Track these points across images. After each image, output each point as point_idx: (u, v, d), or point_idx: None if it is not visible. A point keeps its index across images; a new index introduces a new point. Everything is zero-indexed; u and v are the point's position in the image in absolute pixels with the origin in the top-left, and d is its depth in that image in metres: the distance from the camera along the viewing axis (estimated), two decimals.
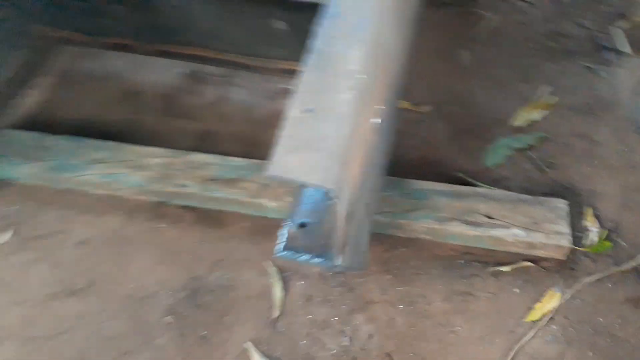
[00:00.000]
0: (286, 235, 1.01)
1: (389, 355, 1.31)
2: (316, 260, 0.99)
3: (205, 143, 1.70)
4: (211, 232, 1.52)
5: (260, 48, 1.59)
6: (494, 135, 1.67)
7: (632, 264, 1.39)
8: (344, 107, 0.87)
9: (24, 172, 1.59)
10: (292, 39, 1.50)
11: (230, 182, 1.51)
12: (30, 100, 1.81)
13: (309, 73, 0.90)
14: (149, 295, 1.41)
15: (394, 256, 1.45)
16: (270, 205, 1.47)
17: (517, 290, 1.38)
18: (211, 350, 1.33)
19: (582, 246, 1.43)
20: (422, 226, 1.42)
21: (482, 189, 1.50)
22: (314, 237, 1.01)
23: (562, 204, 1.44)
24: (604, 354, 1.28)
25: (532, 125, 1.69)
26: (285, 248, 1.00)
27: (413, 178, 1.50)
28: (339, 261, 0.97)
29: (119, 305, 1.40)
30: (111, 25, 1.64)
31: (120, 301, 1.41)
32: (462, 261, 1.43)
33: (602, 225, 1.47)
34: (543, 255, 1.41)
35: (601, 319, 1.33)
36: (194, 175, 1.53)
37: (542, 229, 1.39)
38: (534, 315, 1.33)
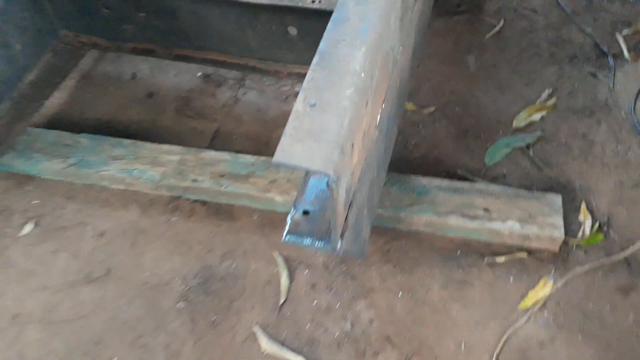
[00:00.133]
0: (291, 222, 1.08)
1: (388, 338, 1.36)
2: (318, 243, 1.06)
3: (218, 142, 1.78)
4: (222, 224, 1.59)
5: (273, 53, 1.64)
6: (495, 135, 1.73)
7: (622, 255, 1.43)
8: (344, 102, 0.94)
9: (47, 168, 1.67)
10: (303, 44, 1.57)
11: (240, 177, 1.59)
12: (54, 101, 1.90)
13: (315, 72, 0.97)
14: (162, 283, 1.49)
15: (394, 247, 1.50)
16: (278, 200, 1.54)
17: (512, 279, 1.43)
18: (221, 333, 1.39)
19: (575, 238, 1.48)
20: (422, 219, 1.48)
21: (480, 185, 1.55)
22: (316, 223, 1.08)
23: (556, 199, 1.49)
24: (593, 337, 1.33)
25: (532, 126, 1.75)
26: (290, 232, 1.07)
27: (415, 175, 1.56)
28: (338, 245, 1.04)
29: (134, 292, 1.48)
30: (133, 30, 1.71)
31: (135, 288, 1.48)
32: (460, 252, 1.48)
33: (595, 219, 1.52)
34: (537, 247, 1.46)
35: (591, 306, 1.37)
36: (207, 172, 1.61)
37: (537, 222, 1.44)
38: (527, 302, 1.38)
